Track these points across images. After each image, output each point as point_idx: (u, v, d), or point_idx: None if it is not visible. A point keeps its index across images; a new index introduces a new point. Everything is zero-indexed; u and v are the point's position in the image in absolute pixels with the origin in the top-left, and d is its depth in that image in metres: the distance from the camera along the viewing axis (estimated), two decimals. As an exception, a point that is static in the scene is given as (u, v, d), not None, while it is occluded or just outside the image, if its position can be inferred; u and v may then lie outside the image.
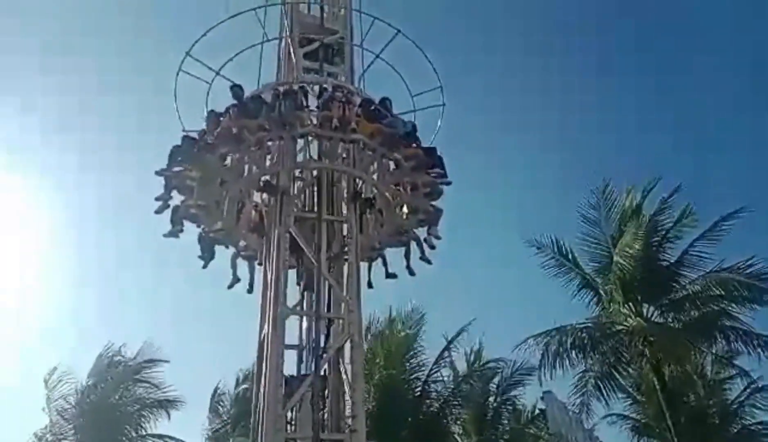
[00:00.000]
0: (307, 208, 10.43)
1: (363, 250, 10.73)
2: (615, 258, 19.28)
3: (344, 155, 10.32)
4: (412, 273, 11.25)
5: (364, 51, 11.14)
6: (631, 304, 19.52)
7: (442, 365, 20.81)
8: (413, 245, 11.11)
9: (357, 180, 10.38)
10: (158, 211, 10.32)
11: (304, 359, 9.69)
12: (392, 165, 10.38)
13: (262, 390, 9.02)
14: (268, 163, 10.22)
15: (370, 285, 11.35)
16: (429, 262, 11.14)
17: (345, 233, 10.19)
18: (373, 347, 20.80)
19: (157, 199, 10.33)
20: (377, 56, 10.90)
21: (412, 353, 20.89)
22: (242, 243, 11.24)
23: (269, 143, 10.20)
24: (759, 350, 18.36)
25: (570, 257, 19.85)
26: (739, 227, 18.76)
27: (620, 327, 19.62)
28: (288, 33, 11.12)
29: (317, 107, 10.14)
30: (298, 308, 10.08)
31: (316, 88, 10.64)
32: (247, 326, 10.37)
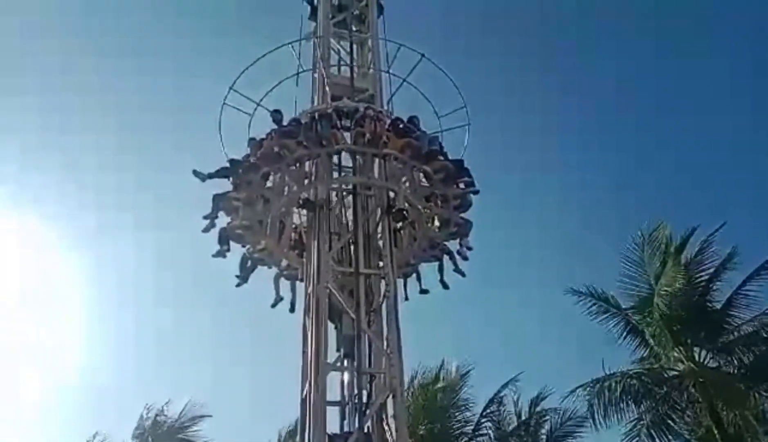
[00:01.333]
0: (344, 263, 10.64)
1: (398, 266, 11.24)
2: (657, 300, 19.10)
3: (377, 172, 11.02)
4: (446, 286, 11.63)
5: (391, 76, 12.01)
6: (681, 348, 19.16)
7: (490, 418, 20.53)
8: (446, 259, 11.62)
9: (390, 194, 11.03)
10: (205, 230, 11.06)
11: (346, 415, 9.67)
12: (422, 178, 11.03)
13: (305, 448, 9.09)
14: (306, 182, 11.00)
15: (405, 298, 11.83)
16: (463, 274, 11.53)
17: (383, 286, 10.30)
18: (415, 400, 20.74)
19: (205, 217, 11.10)
20: (404, 80, 11.71)
21: (458, 407, 20.76)
22: (284, 263, 11.91)
23: (307, 162, 11.04)
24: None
25: (611, 300, 19.74)
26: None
27: (672, 373, 19.24)
28: (321, 64, 12.10)
29: (350, 128, 10.94)
30: (339, 363, 9.97)
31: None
32: (289, 380, 10.27)
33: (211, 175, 11.10)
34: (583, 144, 36.29)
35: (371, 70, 12.95)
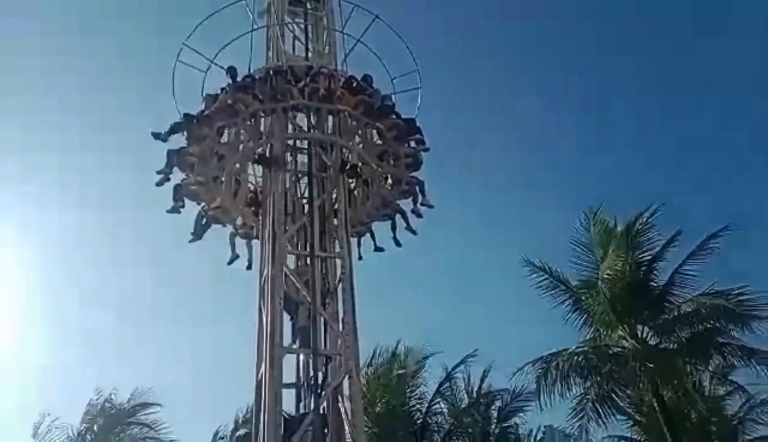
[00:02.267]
0: (299, 248, 10.88)
1: (352, 225, 11.50)
2: (602, 280, 19.72)
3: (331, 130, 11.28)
4: (398, 244, 11.99)
5: (345, 39, 12.30)
6: (625, 326, 19.83)
7: (443, 395, 20.94)
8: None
9: (344, 152, 11.30)
10: (158, 184, 11.18)
11: (302, 397, 9.86)
12: (375, 136, 11.34)
13: (261, 432, 9.09)
14: (262, 138, 11.18)
15: (360, 257, 12.10)
16: (414, 232, 11.91)
17: (338, 269, 10.59)
18: (375, 379, 21.01)
19: (158, 172, 11.20)
20: (358, 40, 12.04)
21: (414, 385, 21.14)
22: (239, 221, 12.04)
23: (263, 119, 11.23)
24: (755, 364, 18.58)
25: (561, 278, 20.30)
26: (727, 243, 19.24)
27: (616, 349, 19.89)
28: (276, 17, 12.31)
29: (305, 85, 11.16)
30: (295, 346, 10.04)
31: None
32: (244, 366, 10.37)
33: (168, 132, 11.20)
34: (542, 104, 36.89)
35: (327, 51, 13.20)
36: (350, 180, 11.38)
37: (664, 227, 19.77)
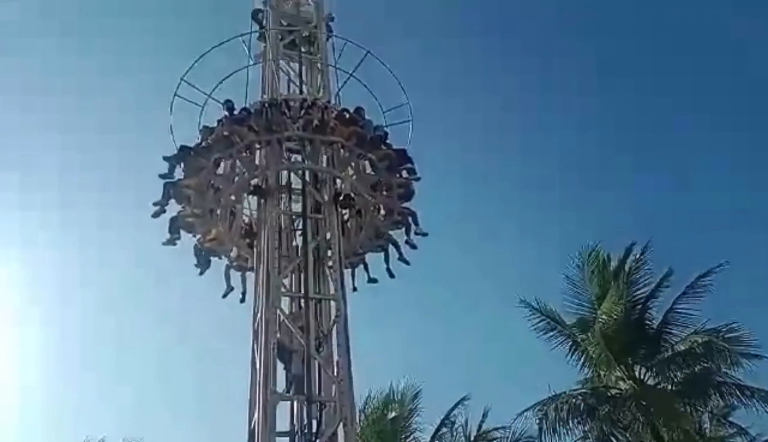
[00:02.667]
0: (293, 290, 10.85)
1: (346, 256, 11.62)
2: (598, 320, 19.77)
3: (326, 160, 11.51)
4: (392, 275, 12.08)
5: (338, 74, 12.70)
6: (622, 367, 19.76)
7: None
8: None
9: (337, 183, 11.51)
10: (154, 215, 11.34)
11: None
12: (368, 167, 11.58)
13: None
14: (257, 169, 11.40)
15: (354, 288, 12.18)
16: (407, 262, 12.02)
17: (333, 312, 10.43)
18: (369, 425, 20.68)
19: (154, 204, 11.39)
20: (350, 75, 12.43)
21: (410, 430, 20.82)
22: (234, 254, 12.16)
23: (258, 151, 11.48)
24: (754, 402, 18.46)
25: (558, 318, 20.32)
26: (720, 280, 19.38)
27: (614, 391, 19.77)
28: (271, 57, 12.72)
29: (299, 117, 11.48)
30: (288, 392, 9.82)
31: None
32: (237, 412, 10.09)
33: (171, 167, 11.43)
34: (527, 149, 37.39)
35: (321, 93, 13.57)
36: (344, 210, 11.53)
37: (655, 266, 19.97)
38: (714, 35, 34.02)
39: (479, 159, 36.64)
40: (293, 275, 10.95)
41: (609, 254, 20.35)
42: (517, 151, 37.56)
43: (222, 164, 11.43)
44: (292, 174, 11.64)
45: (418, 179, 11.61)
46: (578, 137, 37.35)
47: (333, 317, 10.37)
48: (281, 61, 13.57)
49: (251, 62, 12.54)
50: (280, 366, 9.88)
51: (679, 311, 19.57)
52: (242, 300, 12.02)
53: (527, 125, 37.03)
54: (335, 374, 9.69)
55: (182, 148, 11.43)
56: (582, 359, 20.25)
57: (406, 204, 11.79)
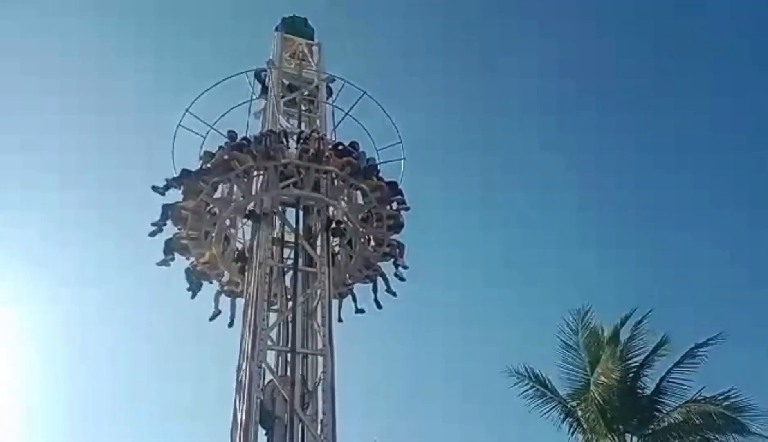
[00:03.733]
0: (281, 344, 10.84)
1: (334, 285, 11.93)
2: (592, 387, 19.59)
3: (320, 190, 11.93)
4: (379, 306, 12.35)
5: (334, 109, 13.48)
6: (614, 435, 19.43)
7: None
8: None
9: (329, 213, 11.93)
10: (151, 234, 11.80)
11: None
12: (360, 197, 12.03)
13: None
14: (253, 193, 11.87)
15: (339, 319, 12.39)
16: (394, 294, 12.34)
17: (321, 367, 10.33)
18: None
19: (153, 224, 11.83)
20: (347, 114, 13.11)
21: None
22: (225, 278, 12.49)
23: (255, 179, 11.98)
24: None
25: (549, 385, 20.13)
26: (717, 350, 19.28)
27: (607, 460, 19.37)
28: (274, 92, 13.45)
29: (296, 147, 12.04)
30: None
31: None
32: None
33: (166, 187, 11.93)
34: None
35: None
36: (334, 239, 11.91)
37: (650, 335, 19.90)
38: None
39: (474, 216, 37.05)
40: (281, 328, 11.03)
41: (602, 322, 20.29)
42: (512, 211, 37.87)
43: (220, 188, 11.94)
44: (285, 227, 12.10)
45: (407, 209, 12.03)
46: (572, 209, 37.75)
47: (320, 373, 10.34)
48: (281, 118, 13.96)
49: (254, 97, 13.19)
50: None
51: (673, 380, 19.40)
52: (230, 325, 12.29)
53: (525, 184, 37.52)
54: (319, 432, 9.62)
55: (183, 171, 11.96)
56: (575, 426, 19.95)
57: (395, 236, 12.15)
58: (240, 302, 12.23)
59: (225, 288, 12.46)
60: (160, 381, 29.97)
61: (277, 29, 15.38)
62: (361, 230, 11.97)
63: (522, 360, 20.20)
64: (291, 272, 11.54)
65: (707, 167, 35.94)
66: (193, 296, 12.30)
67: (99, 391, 30.55)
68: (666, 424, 19.23)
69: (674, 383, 19.36)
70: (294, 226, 11.76)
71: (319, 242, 11.63)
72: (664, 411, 19.36)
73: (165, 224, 11.87)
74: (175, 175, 11.96)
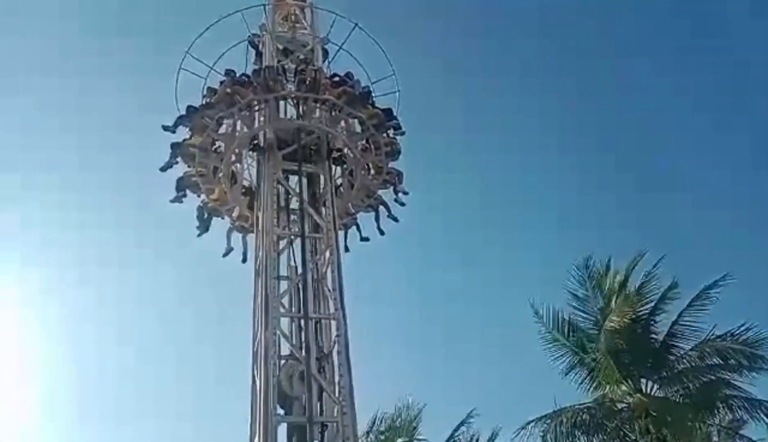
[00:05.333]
0: (294, 310, 10.86)
1: (339, 216, 12.31)
2: (602, 334, 19.75)
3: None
4: (382, 233, 12.77)
5: (329, 44, 13.81)
6: (629, 380, 19.59)
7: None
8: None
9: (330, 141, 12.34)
10: (162, 169, 12.29)
11: None
12: (357, 126, 12.46)
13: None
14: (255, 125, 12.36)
15: (346, 249, 12.81)
16: (396, 220, 12.73)
17: (334, 331, 10.38)
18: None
19: (162, 168, 12.36)
20: (340, 48, 13.45)
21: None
22: (235, 214, 12.94)
23: (257, 112, 12.46)
24: (764, 417, 18.11)
25: (565, 331, 20.34)
26: (728, 291, 19.37)
27: (621, 405, 19.52)
28: (269, 29, 13.93)
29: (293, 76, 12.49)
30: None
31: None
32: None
33: (175, 125, 12.46)
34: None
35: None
36: (335, 166, 12.32)
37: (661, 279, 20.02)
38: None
39: (486, 159, 36.82)
40: (293, 295, 11.04)
41: (613, 266, 20.44)
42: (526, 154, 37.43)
43: (224, 124, 12.42)
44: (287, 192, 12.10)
45: (402, 133, 12.41)
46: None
47: (333, 336, 10.40)
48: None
49: (250, 34, 13.62)
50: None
51: (685, 323, 19.53)
52: (243, 260, 12.72)
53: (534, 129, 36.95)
54: (337, 394, 9.73)
55: (189, 107, 12.46)
56: (586, 373, 20.14)
57: (392, 163, 12.55)
58: (251, 238, 12.62)
59: (236, 224, 12.82)
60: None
61: None
62: (360, 158, 12.37)
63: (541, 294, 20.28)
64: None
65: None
66: (200, 234, 12.68)
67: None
68: (681, 367, 19.41)
69: (686, 325, 19.53)
70: (298, 192, 11.83)
71: (324, 206, 11.67)
72: (678, 354, 19.54)
73: (176, 162, 12.36)
74: (182, 114, 12.47)
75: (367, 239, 12.90)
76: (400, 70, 13.16)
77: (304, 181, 12.02)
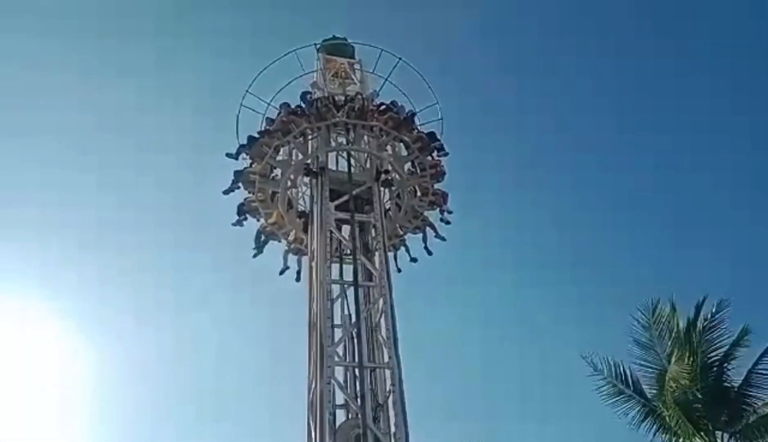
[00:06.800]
0: (348, 359, 10.98)
1: (388, 237, 12.84)
2: (672, 383, 18.94)
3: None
4: (429, 253, 13.22)
5: (374, 77, 14.83)
6: (702, 433, 18.57)
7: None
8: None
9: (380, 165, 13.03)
10: (225, 193, 13.35)
11: None
12: (403, 150, 13.18)
13: None
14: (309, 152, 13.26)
15: (398, 270, 13.29)
16: (443, 239, 13.21)
17: (389, 380, 10.32)
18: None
19: (225, 191, 13.43)
20: (386, 80, 14.37)
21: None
22: (291, 237, 13.72)
23: (310, 141, 13.41)
24: None
25: (629, 382, 19.61)
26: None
27: (697, 462, 18.45)
28: (320, 69, 15.14)
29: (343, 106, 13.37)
30: None
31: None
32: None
33: (237, 152, 13.59)
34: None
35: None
36: (384, 189, 12.95)
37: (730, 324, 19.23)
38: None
39: (520, 197, 36.02)
40: (347, 344, 11.15)
41: (677, 312, 19.77)
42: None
43: (281, 151, 13.44)
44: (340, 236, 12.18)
45: (446, 154, 13.03)
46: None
47: (388, 386, 10.38)
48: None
49: (303, 72, 14.81)
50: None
51: (760, 371, 18.56)
52: (297, 279, 13.38)
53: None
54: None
55: (249, 137, 13.58)
56: (657, 425, 19.22)
57: (437, 185, 13.14)
58: (305, 259, 13.24)
59: (292, 246, 13.57)
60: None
61: (318, 49, 15.89)
62: (407, 180, 13.01)
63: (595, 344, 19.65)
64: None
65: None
66: (255, 255, 13.51)
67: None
68: (757, 417, 18.30)
69: (762, 373, 18.54)
70: (351, 241, 12.04)
71: (377, 258, 11.88)
72: (755, 405, 18.47)
73: (238, 187, 13.39)
74: (242, 143, 13.59)
75: (415, 260, 13.35)
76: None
77: (357, 230, 12.22)
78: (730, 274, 30.68)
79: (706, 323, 19.35)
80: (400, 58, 14.20)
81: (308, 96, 14.03)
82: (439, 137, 13.29)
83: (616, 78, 36.06)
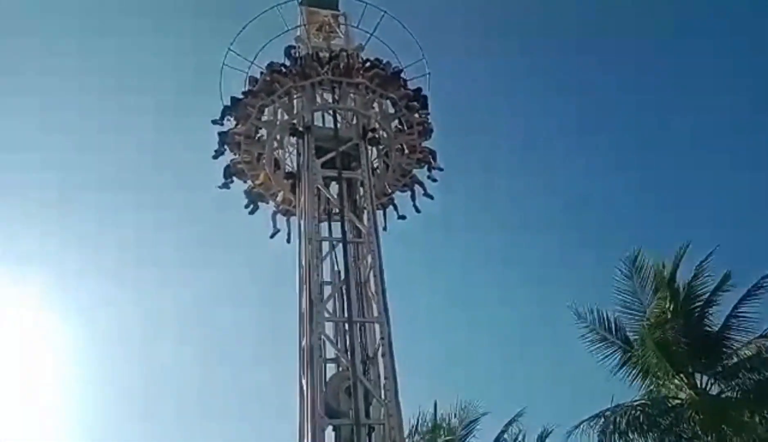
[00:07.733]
0: (338, 314, 11.08)
1: (376, 196, 12.73)
2: (653, 329, 19.34)
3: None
4: (418, 211, 13.17)
5: (359, 31, 14.34)
6: (682, 375, 19.10)
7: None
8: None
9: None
10: (214, 157, 13.09)
11: None
12: (390, 107, 12.97)
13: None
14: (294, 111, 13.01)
15: (384, 228, 13.23)
16: (431, 197, 13.12)
17: (378, 334, 10.44)
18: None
19: (214, 153, 13.19)
20: (371, 35, 13.92)
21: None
22: (279, 198, 13.54)
23: (295, 99, 13.12)
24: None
25: (612, 328, 20.02)
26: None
27: (675, 402, 19.02)
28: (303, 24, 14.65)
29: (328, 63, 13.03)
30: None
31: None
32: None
33: (222, 116, 13.27)
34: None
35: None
36: (371, 147, 12.75)
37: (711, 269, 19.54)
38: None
39: (534, 165, 36.26)
40: (336, 299, 11.31)
41: (663, 261, 20.02)
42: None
43: (266, 112, 13.15)
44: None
45: (428, 114, 12.87)
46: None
47: (377, 340, 10.52)
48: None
49: (287, 28, 14.32)
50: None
51: (740, 315, 18.95)
52: (288, 241, 13.26)
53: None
54: (382, 396, 9.81)
55: (232, 98, 13.26)
56: (638, 370, 19.70)
57: (425, 142, 12.99)
58: (294, 220, 13.07)
59: (280, 207, 13.41)
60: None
61: (300, 3, 15.14)
62: (394, 138, 12.84)
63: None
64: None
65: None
66: (251, 213, 13.37)
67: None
68: (736, 360, 18.79)
69: (742, 317, 18.95)
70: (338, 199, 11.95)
71: (365, 215, 11.77)
72: (733, 348, 18.95)
73: (224, 151, 13.15)
74: (226, 105, 13.27)
75: (404, 218, 13.30)
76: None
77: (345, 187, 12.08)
78: (713, 220, 31.03)
79: (692, 272, 19.62)
80: (385, 12, 13.81)
81: (292, 51, 13.65)
82: (426, 92, 13.05)
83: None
